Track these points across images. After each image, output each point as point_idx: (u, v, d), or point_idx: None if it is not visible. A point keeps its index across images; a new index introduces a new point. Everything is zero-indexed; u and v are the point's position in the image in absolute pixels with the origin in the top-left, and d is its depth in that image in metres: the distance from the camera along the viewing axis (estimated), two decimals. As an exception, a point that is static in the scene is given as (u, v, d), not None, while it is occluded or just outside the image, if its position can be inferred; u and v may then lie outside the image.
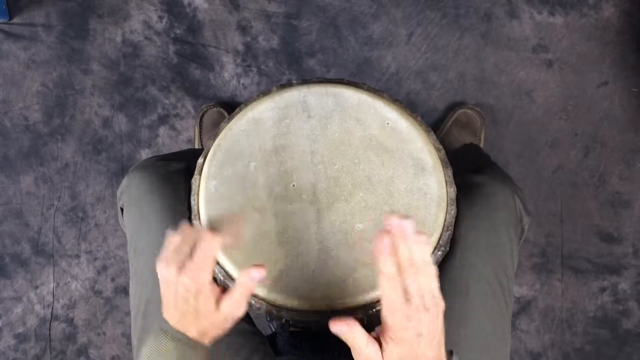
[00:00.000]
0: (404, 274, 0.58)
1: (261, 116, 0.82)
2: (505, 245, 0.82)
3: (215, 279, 0.78)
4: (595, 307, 1.38)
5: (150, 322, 0.79)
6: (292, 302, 0.73)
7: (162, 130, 1.39)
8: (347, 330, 0.60)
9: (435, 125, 1.37)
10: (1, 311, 1.39)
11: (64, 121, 1.39)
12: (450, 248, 0.79)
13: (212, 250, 0.65)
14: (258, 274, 0.65)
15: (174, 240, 0.66)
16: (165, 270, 0.64)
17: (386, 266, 0.59)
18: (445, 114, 1.38)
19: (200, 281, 0.64)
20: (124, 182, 0.86)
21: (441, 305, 0.60)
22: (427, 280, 0.59)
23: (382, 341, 0.60)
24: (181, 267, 0.63)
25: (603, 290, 1.38)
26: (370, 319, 0.73)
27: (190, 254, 0.64)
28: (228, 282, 0.76)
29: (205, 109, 1.35)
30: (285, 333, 0.76)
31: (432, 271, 0.60)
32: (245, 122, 0.82)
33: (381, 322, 0.60)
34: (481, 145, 1.35)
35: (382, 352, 0.60)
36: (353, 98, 0.82)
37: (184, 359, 0.65)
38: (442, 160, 0.80)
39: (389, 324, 0.59)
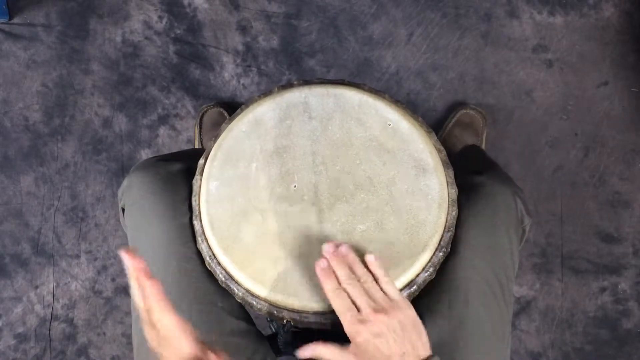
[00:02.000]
0: (345, 286, 0.67)
1: (262, 117, 0.82)
2: (506, 246, 0.82)
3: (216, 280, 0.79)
4: (595, 307, 1.38)
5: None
6: (293, 303, 0.73)
7: (162, 130, 1.39)
8: (314, 351, 0.68)
9: (436, 125, 1.37)
10: (1, 311, 1.38)
11: (64, 121, 1.39)
12: (450, 249, 0.79)
13: None
14: None
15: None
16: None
17: (326, 284, 0.68)
18: (446, 114, 1.38)
19: None
20: (125, 182, 0.86)
21: (398, 305, 0.67)
22: (373, 285, 0.67)
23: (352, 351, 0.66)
24: None
25: (603, 290, 1.38)
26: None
27: None
28: (229, 282, 0.76)
29: (205, 109, 1.35)
30: (287, 333, 0.76)
31: (381, 277, 0.69)
32: (246, 122, 0.82)
33: None
34: (482, 146, 1.35)
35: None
36: (354, 99, 0.82)
37: None
38: (443, 161, 0.80)
39: (347, 332, 0.66)
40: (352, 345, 0.66)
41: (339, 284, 0.68)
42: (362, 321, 0.65)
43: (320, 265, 0.70)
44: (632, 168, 1.38)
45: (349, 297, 0.67)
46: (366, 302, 0.66)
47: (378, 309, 0.65)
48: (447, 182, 0.79)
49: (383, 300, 0.67)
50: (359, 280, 0.68)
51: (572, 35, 1.39)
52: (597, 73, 1.39)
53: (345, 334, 0.70)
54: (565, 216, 1.38)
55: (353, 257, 0.70)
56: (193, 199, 0.81)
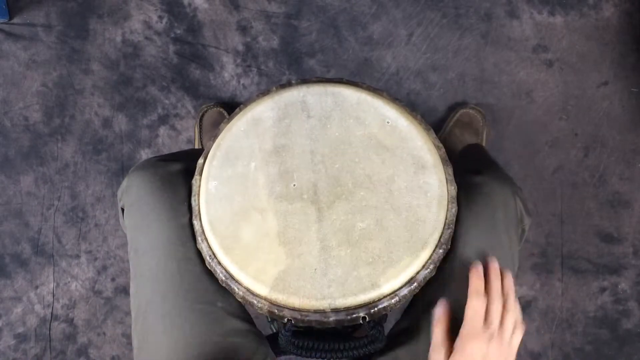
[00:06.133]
0: (491, 298, 0.70)
1: (261, 116, 0.82)
2: (505, 246, 0.82)
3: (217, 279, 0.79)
4: (595, 307, 1.38)
5: (151, 323, 0.79)
6: (294, 302, 0.73)
7: (162, 130, 1.39)
8: (439, 319, 0.71)
9: (436, 125, 1.37)
10: (1, 311, 1.38)
11: (64, 121, 1.39)
12: (450, 248, 0.79)
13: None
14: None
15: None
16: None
17: (474, 283, 0.70)
18: (446, 114, 1.38)
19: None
20: (125, 182, 0.86)
21: (512, 345, 0.70)
22: (512, 318, 0.70)
23: (453, 349, 0.68)
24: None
25: (603, 290, 1.38)
26: (373, 317, 0.74)
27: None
28: (230, 282, 0.76)
29: (205, 109, 1.35)
30: (288, 332, 0.76)
31: (519, 316, 0.72)
32: (245, 122, 0.82)
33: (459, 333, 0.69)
34: (483, 144, 1.35)
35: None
36: (352, 97, 0.82)
37: None
38: (442, 159, 0.80)
39: (463, 333, 0.68)
40: (458, 342, 0.68)
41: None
42: (485, 336, 0.68)
43: (476, 267, 0.72)
44: (632, 168, 1.38)
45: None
46: (497, 325, 0.69)
47: (503, 339, 0.69)
48: (447, 179, 0.79)
49: (509, 335, 0.70)
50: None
51: (572, 35, 1.39)
52: (597, 73, 1.39)
53: (346, 335, 0.70)
54: (565, 216, 1.38)
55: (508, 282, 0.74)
56: (192, 199, 0.81)
